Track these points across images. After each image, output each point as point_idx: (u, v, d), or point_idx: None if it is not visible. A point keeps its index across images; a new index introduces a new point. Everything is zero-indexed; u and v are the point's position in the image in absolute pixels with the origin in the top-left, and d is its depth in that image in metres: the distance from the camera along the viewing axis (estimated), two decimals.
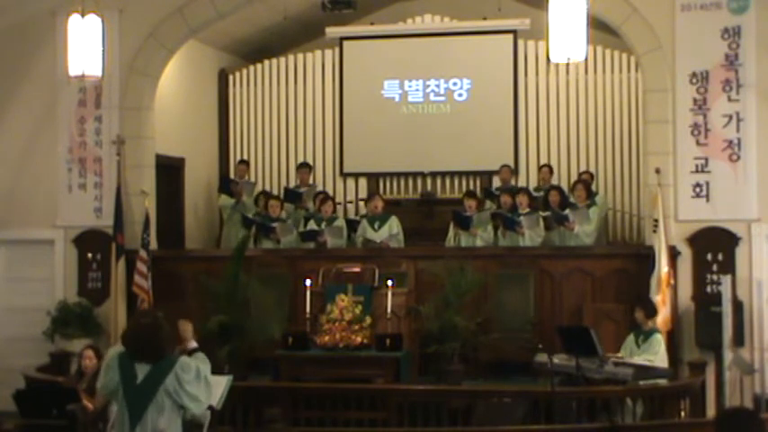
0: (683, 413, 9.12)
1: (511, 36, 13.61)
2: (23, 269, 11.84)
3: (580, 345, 8.97)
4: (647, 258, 10.44)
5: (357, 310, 9.69)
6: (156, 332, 5.79)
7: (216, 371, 8.08)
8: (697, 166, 10.59)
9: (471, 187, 13.38)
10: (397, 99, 13.95)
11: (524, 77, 13.61)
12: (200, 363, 6.11)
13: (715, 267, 10.50)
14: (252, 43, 14.51)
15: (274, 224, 11.76)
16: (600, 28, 11.17)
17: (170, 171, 13.02)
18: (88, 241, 11.65)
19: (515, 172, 13.21)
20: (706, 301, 10.35)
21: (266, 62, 14.35)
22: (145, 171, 11.75)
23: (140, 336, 5.81)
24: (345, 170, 13.99)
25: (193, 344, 7.90)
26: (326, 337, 9.64)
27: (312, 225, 11.83)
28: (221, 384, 6.95)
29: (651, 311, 9.61)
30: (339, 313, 9.69)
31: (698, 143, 10.60)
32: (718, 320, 9.86)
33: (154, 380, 5.67)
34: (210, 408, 6.72)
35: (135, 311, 10.74)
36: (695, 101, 10.61)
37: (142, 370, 5.71)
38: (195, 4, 11.67)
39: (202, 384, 5.80)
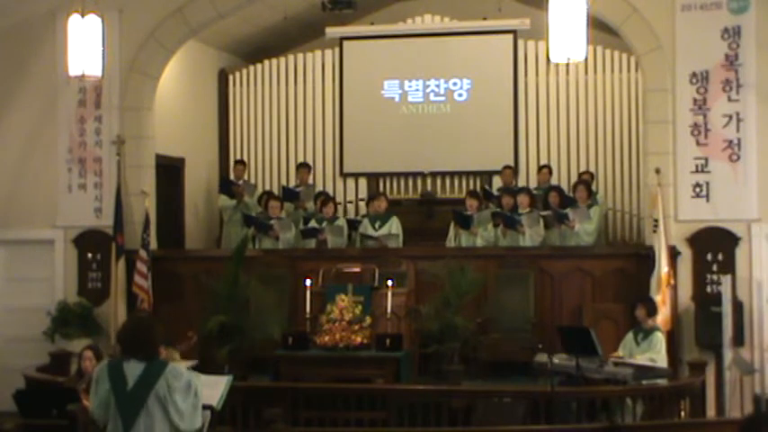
0: (683, 413, 9.12)
1: (511, 36, 13.61)
2: (23, 269, 11.84)
3: (580, 345, 8.97)
4: (647, 258, 10.44)
5: (357, 310, 9.70)
6: (150, 328, 5.83)
7: (216, 371, 8.12)
8: (697, 166, 10.59)
9: (471, 187, 13.38)
10: (397, 99, 13.94)
11: (524, 77, 13.61)
12: (194, 377, 6.03)
13: (715, 267, 10.50)
14: (252, 43, 14.51)
15: (272, 221, 11.76)
16: (600, 28, 11.16)
17: (170, 171, 13.02)
18: (88, 241, 11.65)
19: (515, 172, 13.20)
20: (706, 301, 10.35)
21: (266, 62, 14.35)
22: (145, 171, 11.75)
23: (135, 330, 5.84)
24: (345, 170, 13.99)
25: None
26: (326, 337, 9.64)
27: (313, 224, 11.87)
28: (221, 384, 6.93)
29: (652, 310, 9.61)
30: (339, 313, 9.70)
31: (698, 143, 10.60)
32: (719, 320, 9.87)
33: (144, 385, 5.61)
34: (210, 408, 6.71)
35: (134, 311, 10.76)
36: (695, 101, 10.61)
37: (132, 373, 5.65)
38: (195, 4, 11.67)
39: (191, 398, 5.70)
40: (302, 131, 14.18)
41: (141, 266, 11.06)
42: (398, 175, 13.96)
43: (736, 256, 10.48)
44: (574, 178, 12.76)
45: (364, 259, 10.81)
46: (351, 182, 14.01)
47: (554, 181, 12.90)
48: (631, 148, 13.24)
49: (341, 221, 12.21)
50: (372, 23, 14.32)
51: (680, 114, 10.65)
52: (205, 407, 6.58)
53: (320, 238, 11.64)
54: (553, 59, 8.88)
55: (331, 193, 13.43)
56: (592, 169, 13.13)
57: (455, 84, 13.79)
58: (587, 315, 10.60)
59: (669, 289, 10.27)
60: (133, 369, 5.67)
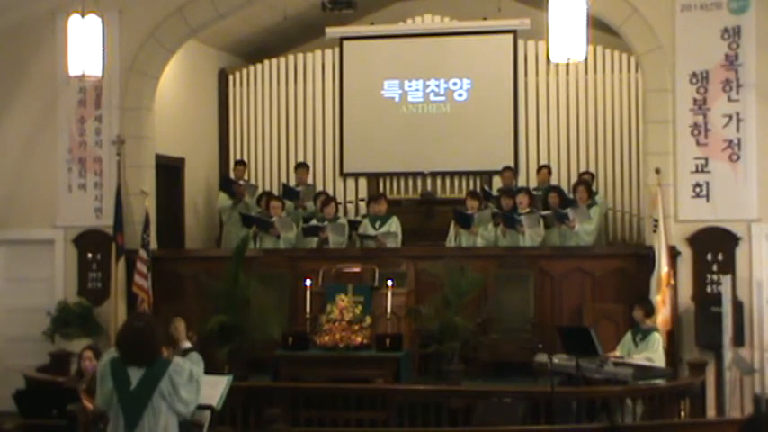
0: (683, 413, 9.13)
1: (511, 36, 13.61)
2: (23, 269, 11.83)
3: (580, 345, 8.97)
4: (646, 258, 10.44)
5: (357, 310, 9.70)
6: (149, 336, 5.76)
7: (216, 371, 8.12)
8: (697, 166, 10.59)
9: (471, 187, 13.38)
10: (397, 99, 13.94)
11: (524, 77, 13.61)
12: (194, 364, 5.99)
13: (715, 267, 10.50)
14: (252, 43, 14.51)
15: (273, 219, 11.77)
16: (600, 28, 11.17)
17: (170, 171, 13.02)
18: (88, 241, 11.64)
19: (515, 172, 13.20)
20: (706, 301, 10.35)
21: (266, 62, 14.36)
22: (145, 171, 11.75)
23: (134, 339, 5.75)
24: (345, 170, 13.99)
25: (187, 344, 7.85)
26: (326, 337, 9.64)
27: (315, 222, 11.90)
28: (221, 384, 6.93)
29: (650, 310, 9.62)
30: (339, 313, 9.70)
31: (698, 143, 10.61)
32: (719, 320, 9.86)
33: (148, 384, 5.61)
34: (210, 408, 6.71)
35: (134, 312, 10.75)
36: (695, 101, 10.61)
37: (135, 374, 5.66)
38: (195, 4, 11.68)
39: (194, 386, 5.74)
40: (302, 131, 14.19)
41: (141, 266, 11.06)
42: (398, 175, 13.96)
43: (736, 256, 10.48)
44: (574, 178, 12.77)
45: (364, 259, 10.81)
46: (351, 182, 14.02)
47: (554, 181, 12.91)
48: (631, 148, 13.24)
49: (342, 220, 12.23)
50: (372, 23, 14.33)
51: (680, 114, 10.65)
52: (205, 407, 6.59)
53: (322, 237, 11.64)
54: (553, 59, 8.86)
55: (331, 193, 13.43)
56: (592, 169, 13.13)
57: (455, 84, 13.79)
58: (587, 315, 10.60)
59: (669, 289, 10.26)
60: (136, 370, 5.67)
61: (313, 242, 11.79)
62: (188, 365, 5.83)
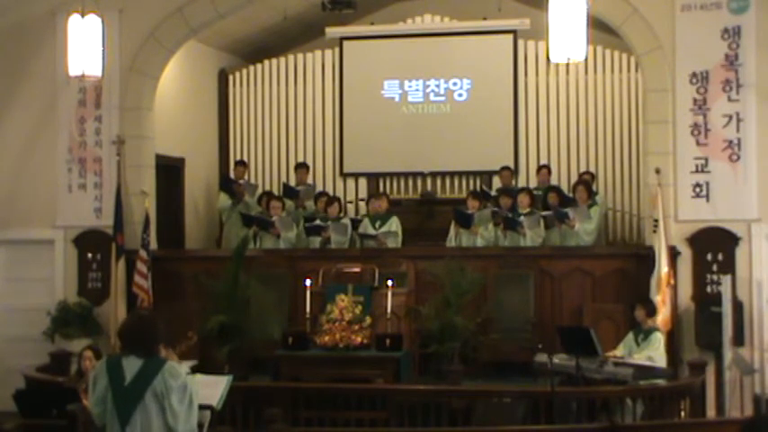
0: (683, 413, 9.13)
1: (511, 36, 13.61)
2: (23, 269, 11.83)
3: (580, 345, 8.97)
4: (647, 258, 10.44)
5: (357, 310, 9.70)
6: (151, 324, 5.81)
7: (216, 371, 8.12)
8: (697, 166, 10.59)
9: (471, 187, 13.39)
10: (397, 99, 13.94)
11: (524, 77, 13.61)
12: (190, 380, 5.93)
13: (715, 267, 10.50)
14: (252, 43, 14.51)
15: (274, 219, 11.77)
16: (600, 28, 11.17)
17: (170, 171, 13.02)
18: (88, 241, 11.64)
19: (515, 172, 13.20)
20: (706, 301, 10.35)
21: (266, 62, 14.36)
22: (145, 171, 11.75)
23: (137, 325, 5.82)
24: (345, 170, 13.99)
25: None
26: (326, 337, 9.64)
27: (318, 222, 11.92)
28: (221, 384, 6.93)
29: (651, 310, 9.63)
30: (339, 313, 9.70)
31: (698, 143, 10.61)
32: (718, 320, 9.86)
33: (141, 381, 5.59)
34: (210, 408, 6.71)
35: (136, 309, 10.76)
36: (695, 101, 10.61)
37: (130, 369, 5.64)
38: (195, 4, 11.67)
39: (186, 401, 5.67)
40: (302, 131, 14.19)
41: (141, 266, 11.06)
42: (398, 175, 13.96)
43: (736, 256, 10.48)
44: (574, 178, 12.77)
45: (364, 259, 10.82)
46: (351, 182, 14.01)
47: (554, 181, 12.91)
48: (631, 148, 13.24)
49: (345, 220, 12.23)
50: (372, 23, 14.32)
51: (680, 114, 10.66)
52: (205, 407, 6.59)
53: (324, 236, 11.65)
54: (553, 59, 8.87)
55: (331, 193, 13.43)
56: (592, 169, 13.12)
57: (455, 84, 13.79)
58: (587, 315, 10.60)
59: (669, 289, 10.27)
60: (132, 365, 5.66)
61: (314, 242, 11.79)
62: (185, 377, 5.78)
